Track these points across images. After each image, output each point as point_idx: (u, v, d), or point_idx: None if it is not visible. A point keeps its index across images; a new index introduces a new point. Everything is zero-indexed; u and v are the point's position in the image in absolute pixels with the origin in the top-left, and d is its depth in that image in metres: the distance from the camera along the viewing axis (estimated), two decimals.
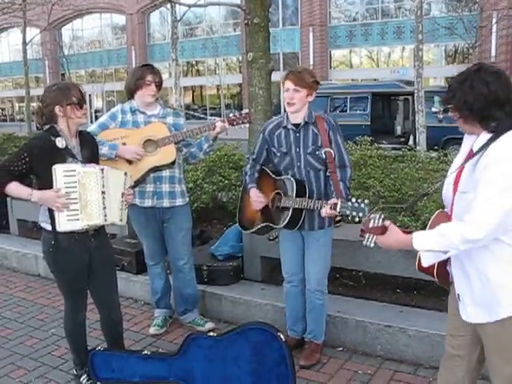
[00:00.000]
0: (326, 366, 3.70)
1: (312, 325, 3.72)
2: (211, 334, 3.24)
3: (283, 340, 3.03)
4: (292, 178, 3.46)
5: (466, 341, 2.41)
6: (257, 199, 3.62)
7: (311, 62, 30.91)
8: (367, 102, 16.09)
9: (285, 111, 3.57)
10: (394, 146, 13.78)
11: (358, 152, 5.92)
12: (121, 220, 3.28)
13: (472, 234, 2.06)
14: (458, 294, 2.28)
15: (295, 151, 3.49)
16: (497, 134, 2.11)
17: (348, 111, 16.36)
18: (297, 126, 3.48)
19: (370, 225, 2.30)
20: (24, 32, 22.17)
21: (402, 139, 15.96)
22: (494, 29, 24.61)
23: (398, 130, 17.05)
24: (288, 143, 3.52)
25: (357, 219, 3.01)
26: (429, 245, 2.18)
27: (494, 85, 2.10)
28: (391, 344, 3.71)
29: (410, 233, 2.24)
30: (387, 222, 2.30)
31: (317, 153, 3.44)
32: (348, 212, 3.01)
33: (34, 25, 26.74)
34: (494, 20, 24.18)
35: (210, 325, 4.25)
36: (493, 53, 25.55)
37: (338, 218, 4.51)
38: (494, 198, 2.03)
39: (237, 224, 4.13)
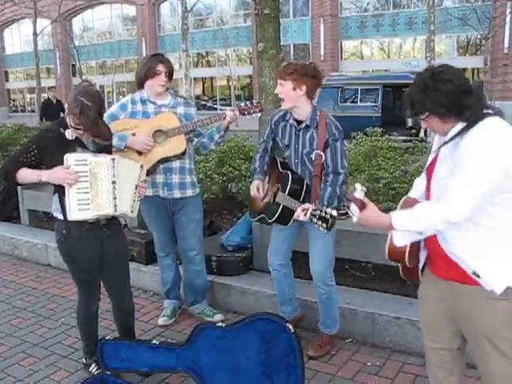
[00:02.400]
0: (334, 357, 3.70)
1: (322, 316, 3.73)
2: (220, 324, 3.24)
3: (292, 331, 3.03)
4: (290, 174, 3.46)
5: (446, 331, 2.42)
6: (254, 191, 3.65)
7: (322, 53, 30.75)
8: (378, 93, 15.98)
9: None
10: (404, 137, 13.70)
11: (368, 143, 5.89)
12: (132, 211, 3.27)
13: (453, 217, 2.12)
14: (474, 271, 2.22)
15: (294, 147, 3.51)
16: (471, 122, 2.15)
17: (359, 103, 16.27)
18: (299, 122, 3.48)
19: (355, 194, 2.29)
20: (34, 23, 22.29)
21: (413, 131, 15.82)
22: (508, 19, 24.30)
23: (409, 121, 16.93)
24: (290, 138, 3.53)
25: (320, 229, 3.05)
26: (409, 225, 2.22)
27: (455, 80, 2.15)
28: (400, 336, 3.70)
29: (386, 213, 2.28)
30: (366, 199, 2.31)
31: (310, 155, 3.44)
32: (314, 220, 3.07)
33: (44, 16, 26.82)
34: (508, 10, 23.88)
35: (219, 316, 4.25)
36: (506, 44, 25.26)
37: (344, 211, 4.51)
38: (473, 183, 2.08)
39: (247, 215, 4.12)
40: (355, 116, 14.89)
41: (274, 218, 3.49)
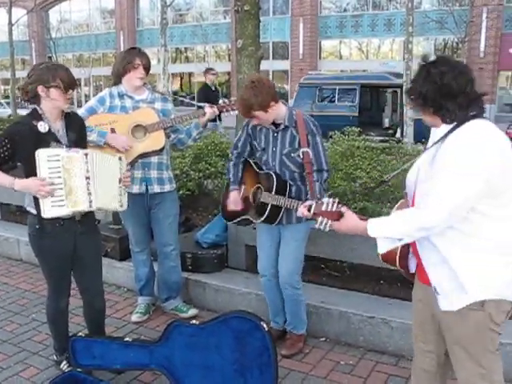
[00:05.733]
0: (308, 355, 3.70)
1: (289, 317, 3.73)
2: (193, 321, 3.22)
3: (266, 329, 3.02)
4: (274, 174, 3.44)
5: (433, 334, 2.41)
6: (234, 204, 3.63)
7: (301, 52, 30.82)
8: (356, 93, 16.09)
9: None
10: (381, 137, 13.82)
11: (345, 143, 5.90)
12: (121, 206, 3.28)
13: (426, 221, 2.06)
14: (435, 287, 2.23)
15: (272, 150, 3.49)
16: (454, 126, 2.12)
17: (336, 102, 16.36)
18: (277, 125, 3.46)
19: (323, 208, 2.29)
20: (10, 12, 21.83)
21: (390, 131, 16.01)
22: (484, 24, 24.72)
23: (386, 121, 17.10)
24: (266, 141, 3.52)
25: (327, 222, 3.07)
26: (383, 232, 2.17)
27: (447, 76, 2.09)
28: (374, 335, 3.72)
29: (366, 219, 2.24)
30: (343, 208, 2.29)
31: (292, 155, 3.42)
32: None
33: (20, 5, 26.33)
34: (485, 15, 24.28)
35: (193, 311, 4.24)
36: (482, 48, 25.64)
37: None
38: (450, 185, 2.02)
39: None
40: (333, 115, 14.97)
41: (262, 218, 3.46)
